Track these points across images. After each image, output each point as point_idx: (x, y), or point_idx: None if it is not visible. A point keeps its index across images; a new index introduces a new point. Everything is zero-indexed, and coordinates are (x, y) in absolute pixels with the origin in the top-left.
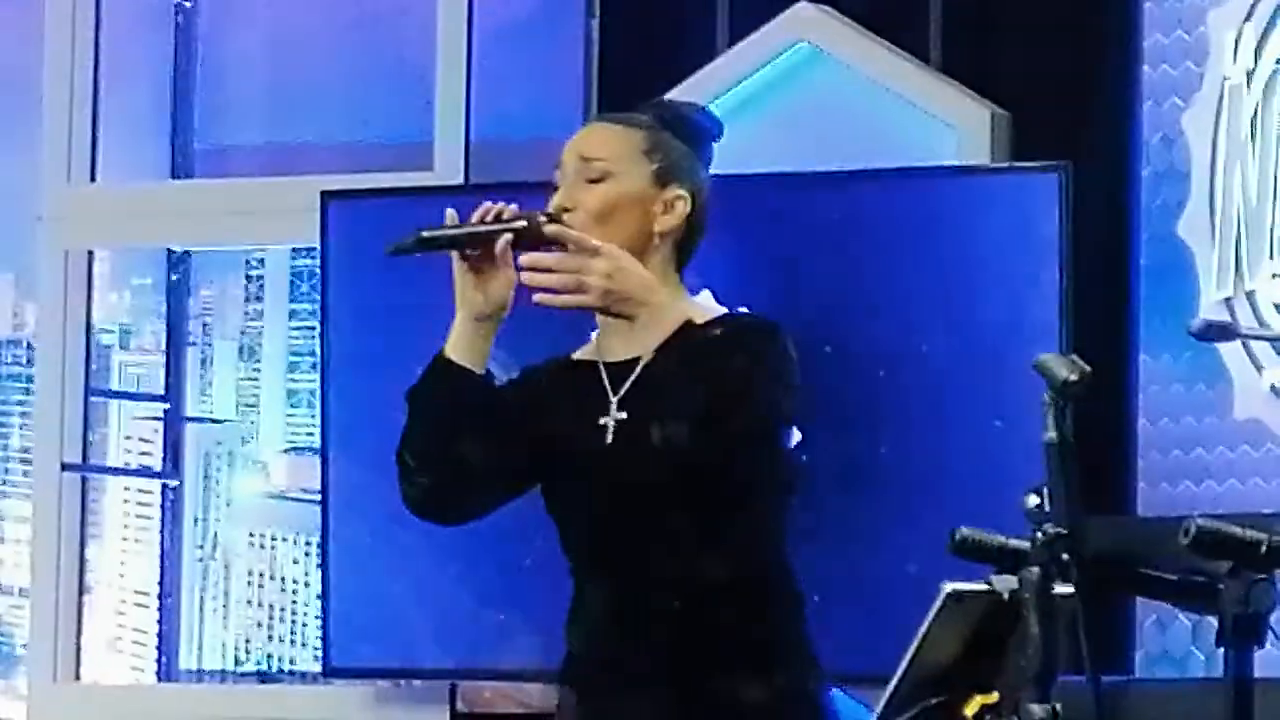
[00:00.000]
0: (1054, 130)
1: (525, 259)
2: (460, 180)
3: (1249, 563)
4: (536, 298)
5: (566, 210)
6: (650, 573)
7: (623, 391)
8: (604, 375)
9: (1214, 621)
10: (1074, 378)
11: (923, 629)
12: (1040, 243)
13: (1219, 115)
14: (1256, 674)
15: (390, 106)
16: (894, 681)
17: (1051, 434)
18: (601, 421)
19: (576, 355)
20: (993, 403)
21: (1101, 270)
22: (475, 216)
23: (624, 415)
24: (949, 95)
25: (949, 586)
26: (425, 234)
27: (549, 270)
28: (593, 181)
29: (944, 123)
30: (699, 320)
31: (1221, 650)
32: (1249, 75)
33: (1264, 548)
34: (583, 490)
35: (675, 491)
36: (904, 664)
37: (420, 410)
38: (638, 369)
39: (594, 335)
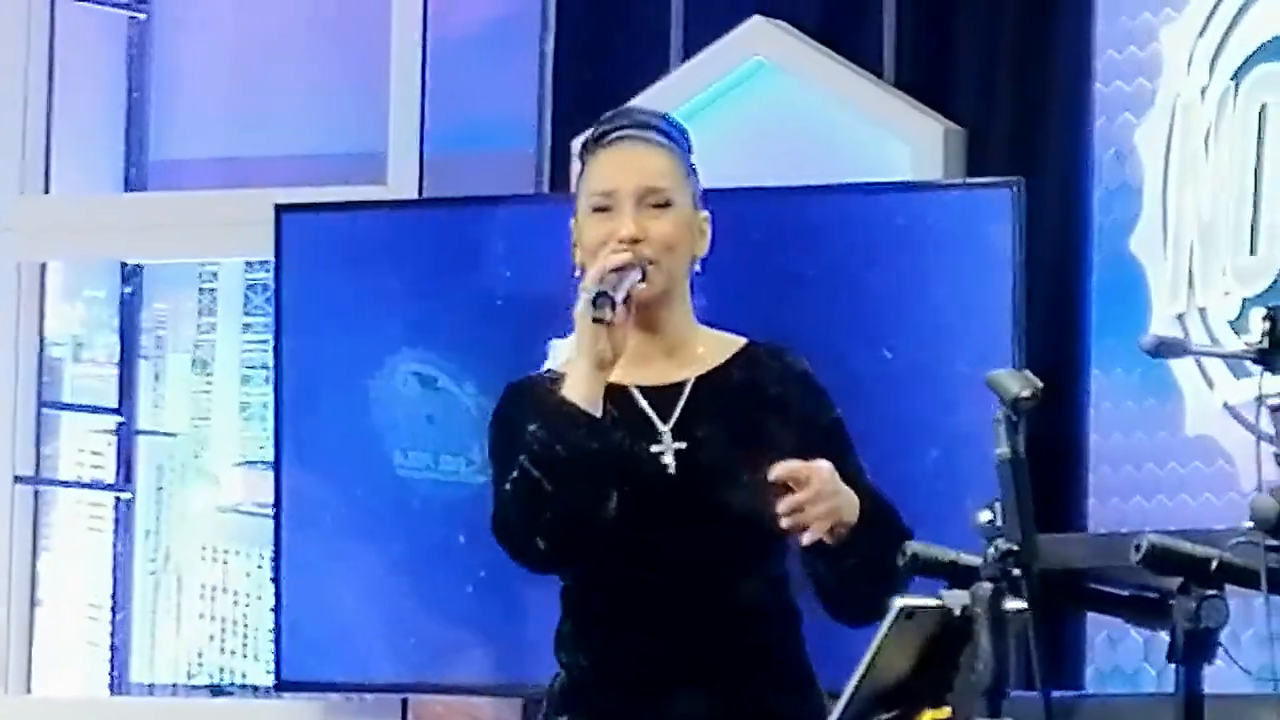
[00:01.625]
0: (1007, 146)
1: (785, 506)
2: (414, 194)
3: (1200, 579)
4: (807, 540)
5: (637, 241)
6: (704, 592)
7: (674, 418)
8: (640, 400)
9: (1165, 637)
10: (1026, 394)
11: (874, 644)
12: (993, 258)
13: (1171, 131)
14: (1207, 690)
15: (344, 119)
16: (845, 697)
17: (1004, 450)
18: (654, 449)
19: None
20: (945, 418)
21: (1053, 286)
22: (594, 275)
23: (683, 444)
24: (903, 110)
25: (900, 601)
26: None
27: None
28: (658, 207)
29: (898, 138)
30: (722, 345)
31: (1173, 666)
32: (1202, 91)
33: (1214, 564)
34: (635, 521)
35: (735, 517)
36: (855, 679)
37: (570, 465)
38: (685, 393)
39: (562, 359)
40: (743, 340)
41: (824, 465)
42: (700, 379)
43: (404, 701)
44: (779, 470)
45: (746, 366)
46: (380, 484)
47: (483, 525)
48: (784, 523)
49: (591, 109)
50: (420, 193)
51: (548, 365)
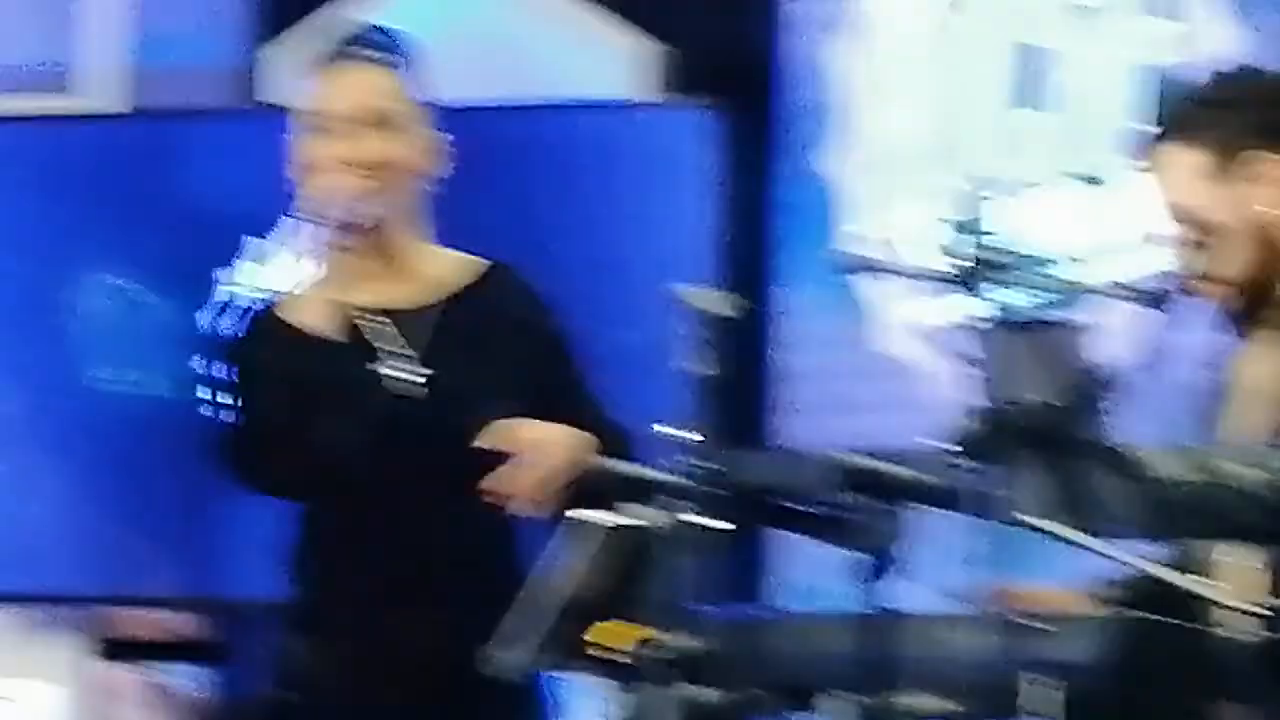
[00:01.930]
0: (706, 65)
1: (489, 484)
2: (112, 107)
3: (883, 495)
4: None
5: (363, 163)
6: (445, 515)
7: (417, 342)
8: (378, 324)
9: (850, 554)
10: (720, 310)
11: (562, 559)
12: (693, 176)
13: (863, 50)
14: (890, 608)
15: (26, 28)
16: (527, 611)
17: (697, 366)
18: (394, 374)
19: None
20: (644, 335)
21: (747, 204)
22: (319, 199)
23: (427, 369)
24: (607, 28)
25: (590, 516)
26: None
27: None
28: (381, 128)
29: (603, 57)
30: (463, 267)
31: (856, 583)
32: (893, 10)
33: (901, 482)
34: (375, 446)
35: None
36: (543, 593)
37: (305, 392)
38: (428, 317)
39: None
40: (485, 262)
41: (533, 433)
42: (445, 302)
43: (93, 614)
44: (486, 441)
45: (486, 287)
46: (72, 397)
47: (174, 439)
48: (489, 496)
49: (302, 22)
50: (117, 106)
51: (248, 267)
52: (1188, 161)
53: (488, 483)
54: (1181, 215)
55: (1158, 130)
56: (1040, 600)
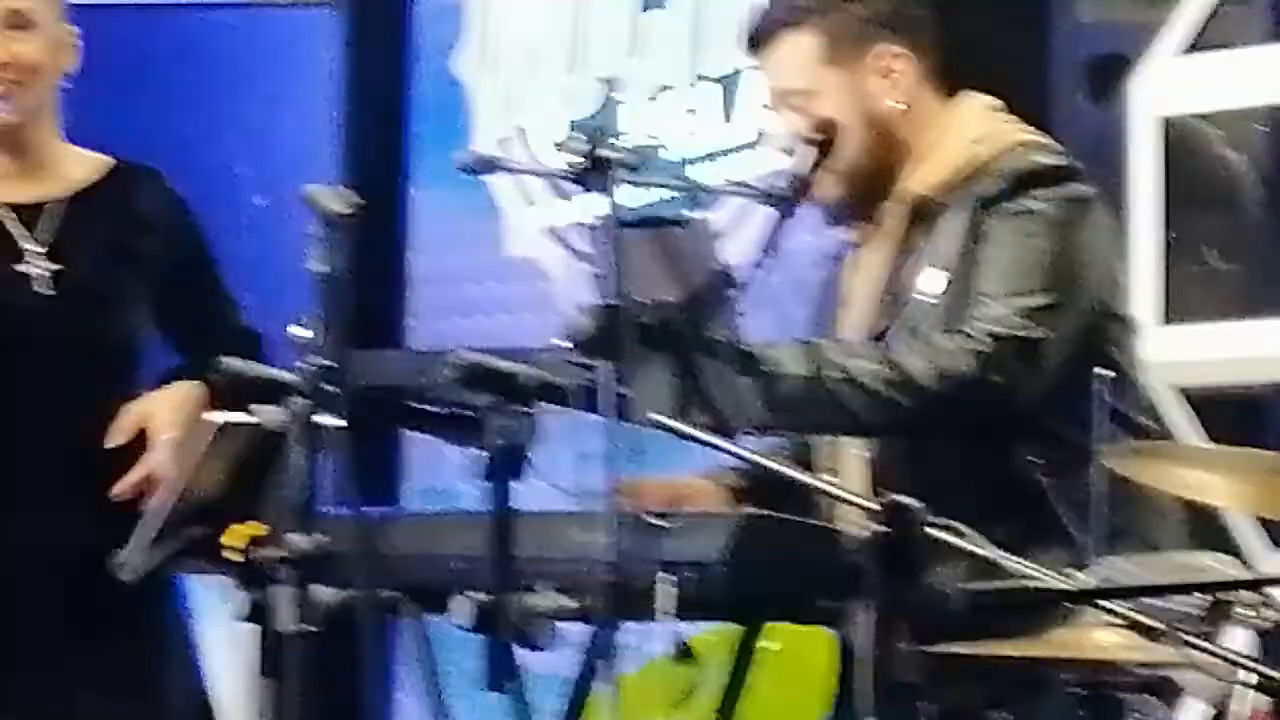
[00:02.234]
0: None
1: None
2: None
3: (511, 396)
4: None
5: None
6: (73, 412)
7: (45, 238)
8: (5, 219)
9: (481, 455)
10: (342, 209)
11: (188, 459)
12: (319, 76)
13: None
14: (522, 507)
15: None
16: (158, 512)
17: (319, 265)
18: (22, 269)
19: None
20: (276, 235)
21: (377, 104)
22: None
23: (56, 265)
24: None
25: (213, 417)
26: None
27: None
28: (19, 29)
29: None
30: (91, 165)
31: (482, 482)
32: None
33: (527, 382)
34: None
35: (109, 339)
36: (168, 495)
37: None
38: (56, 212)
39: None
40: (112, 160)
41: (145, 409)
42: (73, 198)
43: None
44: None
45: (120, 186)
46: None
47: None
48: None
49: None
50: None
51: None
52: (802, 47)
53: (120, 487)
54: (794, 104)
55: (771, 17)
56: (663, 490)
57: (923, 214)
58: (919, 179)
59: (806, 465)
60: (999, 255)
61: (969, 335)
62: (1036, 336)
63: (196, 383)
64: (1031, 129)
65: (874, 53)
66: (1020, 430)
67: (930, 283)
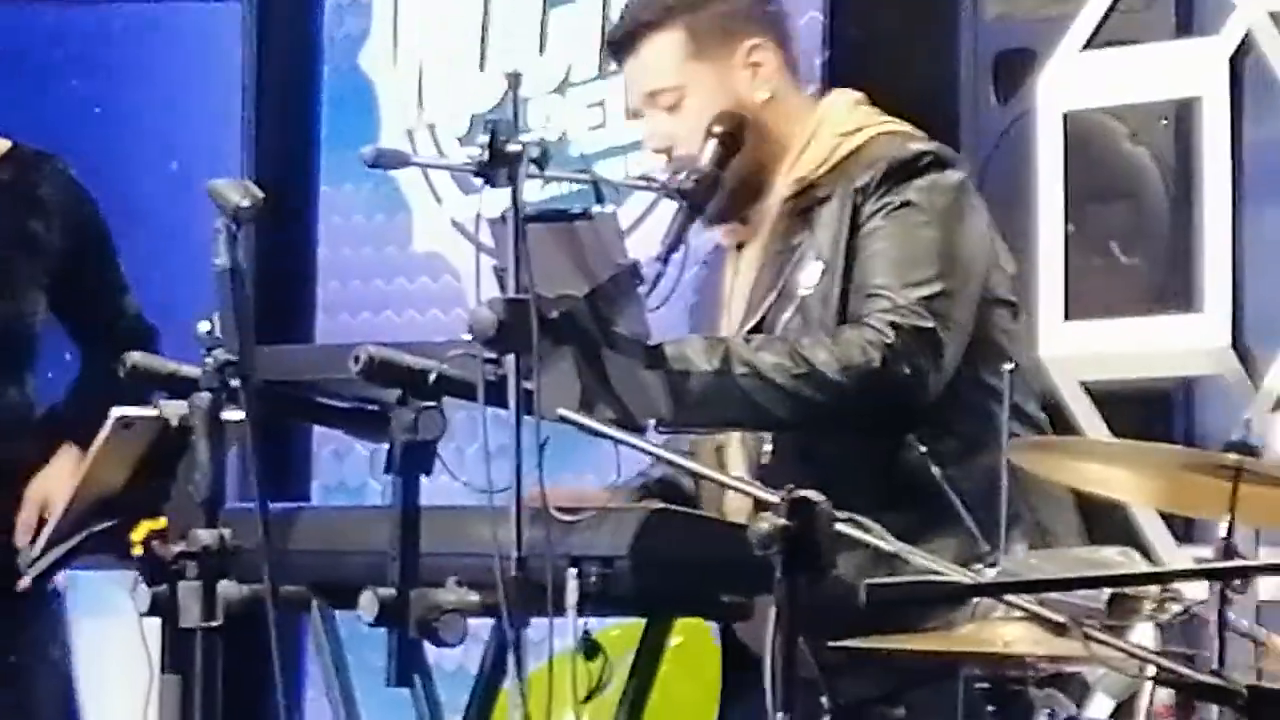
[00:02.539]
0: None
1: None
2: None
3: (418, 391)
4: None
5: None
6: None
7: None
8: None
9: (382, 448)
10: (245, 203)
11: (91, 454)
12: (225, 72)
13: None
14: (427, 502)
15: None
16: (62, 507)
17: (222, 260)
18: None
19: None
20: (182, 230)
21: (285, 100)
22: None
23: None
24: None
25: (117, 411)
26: None
27: None
28: None
29: None
30: None
31: (388, 477)
32: None
33: (432, 376)
34: None
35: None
36: (72, 489)
37: None
38: None
39: None
40: (8, 143)
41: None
42: None
43: None
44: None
45: (17, 171)
46: None
47: None
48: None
49: None
50: None
51: None
52: (669, 45)
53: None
54: (664, 103)
55: (636, 19)
56: (575, 498)
57: (798, 209)
58: (791, 175)
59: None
60: (887, 247)
61: (872, 327)
62: (933, 325)
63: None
64: (895, 119)
65: (741, 47)
66: (913, 419)
67: (809, 278)
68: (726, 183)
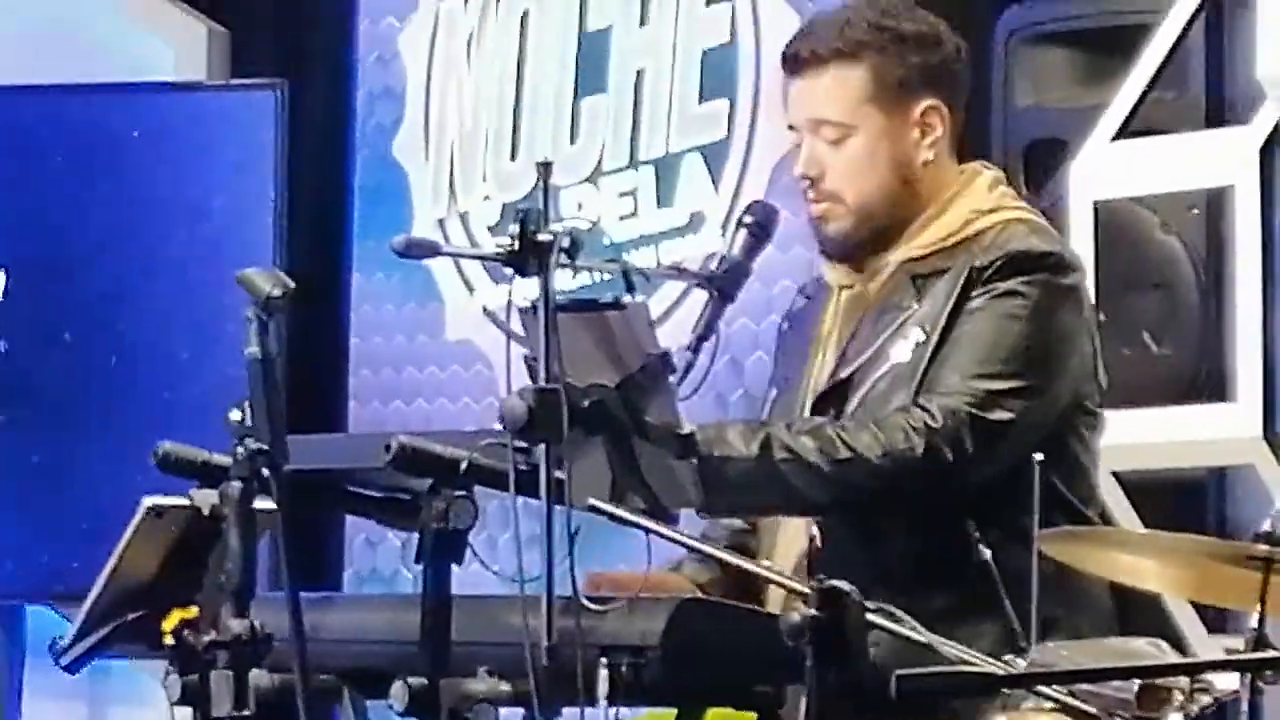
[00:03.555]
0: (271, 48)
1: None
2: None
3: (449, 480)
4: None
5: None
6: None
7: None
8: None
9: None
10: (276, 292)
11: (122, 543)
12: (256, 159)
13: (435, 36)
14: (459, 591)
15: None
16: (92, 596)
17: (253, 348)
18: None
19: None
20: (213, 319)
21: (316, 188)
22: None
23: None
24: (167, 11)
25: (149, 501)
26: None
27: None
28: None
29: (161, 38)
30: None
31: (420, 565)
32: None
33: (463, 465)
34: None
35: None
36: (102, 579)
37: None
38: None
39: None
40: None
41: None
42: None
43: None
44: None
45: None
46: None
47: None
48: None
49: None
50: None
51: None
52: (852, 81)
53: None
54: (825, 135)
55: (827, 44)
56: (630, 585)
57: (914, 274)
58: (918, 240)
59: (745, 545)
60: (976, 333)
61: (925, 409)
62: (995, 419)
63: None
64: (1030, 208)
65: (919, 104)
66: (968, 504)
67: (907, 346)
68: (865, 228)
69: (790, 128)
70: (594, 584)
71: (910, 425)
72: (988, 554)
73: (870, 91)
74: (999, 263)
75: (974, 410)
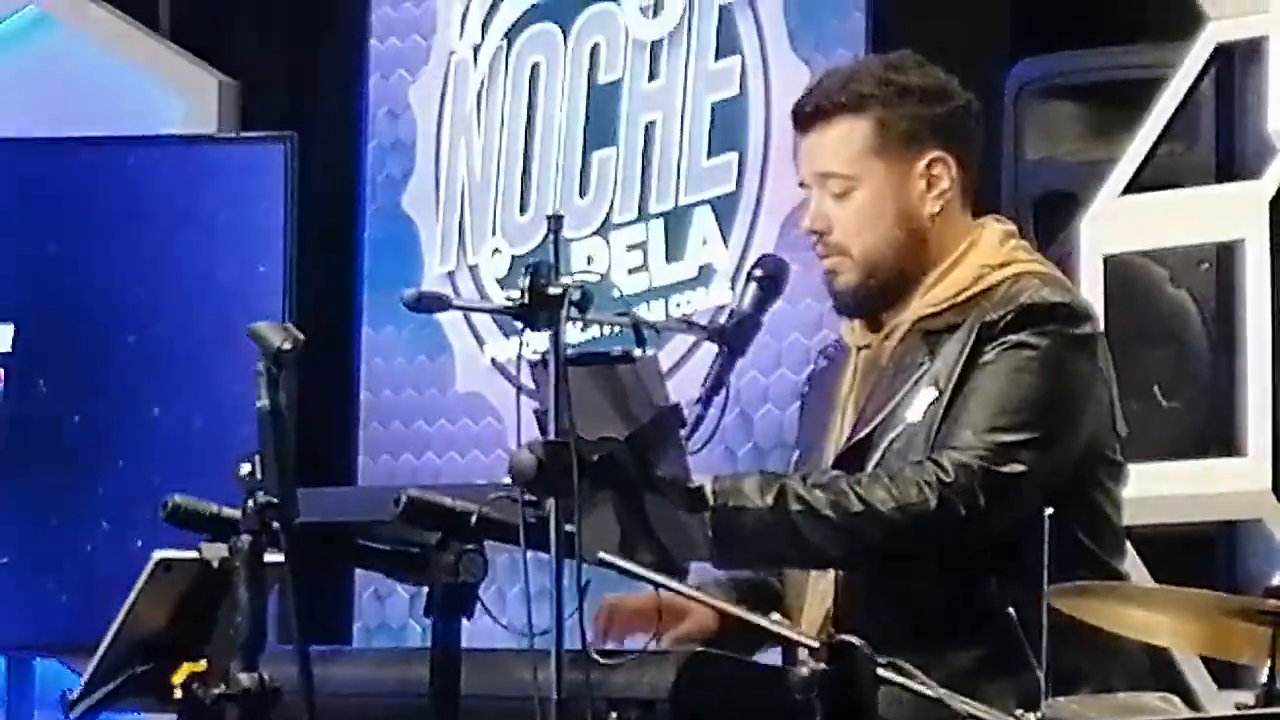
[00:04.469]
0: (282, 100)
1: None
2: None
3: (458, 533)
4: None
5: None
6: None
7: None
8: None
9: (423, 590)
10: (287, 345)
11: (131, 596)
12: (267, 212)
13: (445, 90)
14: (469, 644)
15: None
16: (102, 649)
17: (264, 402)
18: None
19: None
20: (222, 371)
21: (326, 241)
22: None
23: None
24: (177, 63)
25: (159, 555)
26: None
27: None
28: None
29: (172, 91)
30: None
31: (428, 618)
32: (475, 50)
33: (473, 519)
34: None
35: None
36: (112, 632)
37: None
38: None
39: None
40: None
41: None
42: None
43: None
44: None
45: None
46: None
47: None
48: None
49: None
50: None
51: None
52: (857, 133)
53: None
54: (832, 188)
55: (833, 98)
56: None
57: (927, 330)
58: (930, 295)
59: (757, 597)
60: (988, 386)
61: (937, 464)
62: (1009, 471)
63: None
64: (1043, 261)
65: (925, 156)
66: (992, 559)
67: (920, 404)
68: (874, 282)
69: (801, 184)
70: (608, 609)
71: (923, 480)
72: (1011, 610)
73: (874, 143)
74: (1010, 316)
75: (986, 464)
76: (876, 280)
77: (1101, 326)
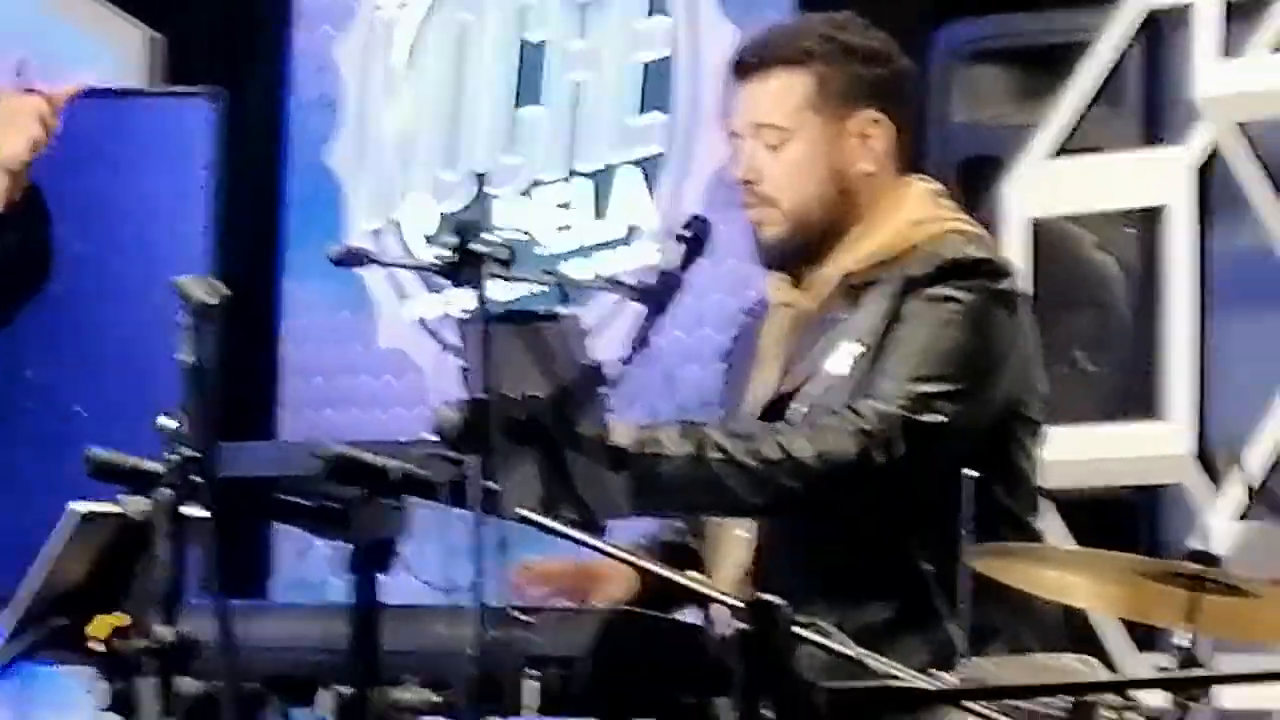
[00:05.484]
0: (207, 55)
1: None
2: None
3: (379, 489)
4: None
5: None
6: None
7: None
8: None
9: (342, 545)
10: (211, 300)
11: (50, 548)
12: (193, 167)
13: (371, 46)
14: (389, 601)
15: None
16: (20, 601)
17: (187, 356)
18: None
19: None
20: (146, 326)
21: (250, 196)
22: None
23: None
24: (103, 16)
25: (78, 507)
26: None
27: None
28: None
29: (98, 44)
30: None
31: (347, 574)
32: (401, 6)
33: (394, 475)
34: None
35: None
36: (31, 585)
37: None
38: None
39: None
40: None
41: None
42: None
43: None
44: None
45: None
46: None
47: None
48: None
49: None
50: None
51: None
52: (795, 87)
53: None
54: (766, 139)
55: (773, 50)
56: (567, 572)
57: (850, 288)
58: (855, 252)
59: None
60: (910, 338)
61: (857, 414)
62: (929, 421)
63: None
64: (969, 219)
65: (860, 115)
66: (909, 516)
67: (844, 359)
68: (800, 236)
69: (732, 134)
70: (525, 573)
71: (844, 428)
72: (928, 569)
73: (813, 98)
74: (934, 270)
75: (906, 413)
76: (802, 234)
77: (1023, 285)
